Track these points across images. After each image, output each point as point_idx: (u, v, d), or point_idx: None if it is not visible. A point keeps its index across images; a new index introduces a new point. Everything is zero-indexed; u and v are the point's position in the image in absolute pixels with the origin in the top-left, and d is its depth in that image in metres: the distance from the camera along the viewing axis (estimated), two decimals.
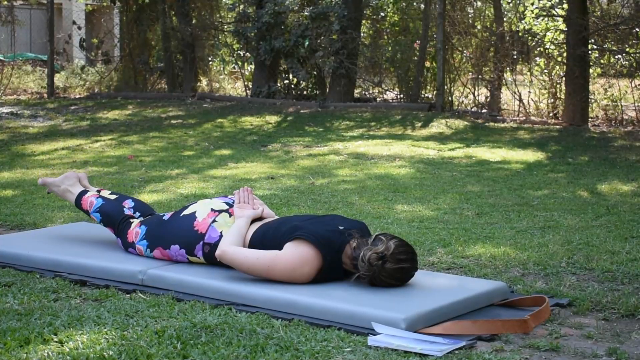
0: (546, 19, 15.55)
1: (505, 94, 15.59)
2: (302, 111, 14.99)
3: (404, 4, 16.97)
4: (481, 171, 8.85)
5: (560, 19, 15.20)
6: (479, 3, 16.97)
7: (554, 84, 14.86)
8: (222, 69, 20.21)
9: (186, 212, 4.52)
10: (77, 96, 17.98)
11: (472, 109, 14.99)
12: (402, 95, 16.37)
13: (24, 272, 4.54)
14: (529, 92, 15.03)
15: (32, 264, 4.63)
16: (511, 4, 16.79)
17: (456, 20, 15.63)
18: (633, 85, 14.74)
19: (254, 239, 4.26)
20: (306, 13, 16.15)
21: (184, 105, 15.90)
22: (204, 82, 18.92)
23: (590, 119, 14.15)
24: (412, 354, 3.38)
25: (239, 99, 16.85)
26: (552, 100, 14.85)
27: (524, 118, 14.36)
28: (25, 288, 4.22)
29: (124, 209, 4.85)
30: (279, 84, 17.04)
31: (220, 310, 3.89)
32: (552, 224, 6.01)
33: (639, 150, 10.84)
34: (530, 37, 15.55)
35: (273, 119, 14.09)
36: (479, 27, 16.26)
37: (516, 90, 14.96)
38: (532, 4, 15.78)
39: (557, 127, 13.41)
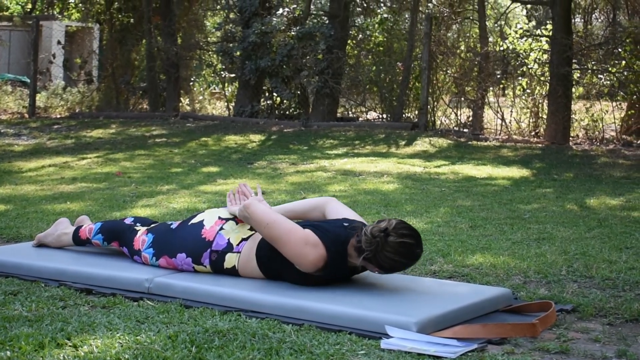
0: (529, 39, 15.72)
1: (488, 113, 15.71)
2: (285, 130, 15.04)
3: (389, 24, 17.08)
4: (469, 187, 8.92)
5: (544, 39, 15.36)
6: (464, 23, 17.13)
7: (536, 104, 15.00)
8: (204, 89, 20.25)
9: (194, 220, 4.54)
10: (58, 116, 17.94)
11: (455, 128, 15.10)
12: (384, 115, 16.46)
13: (28, 281, 4.53)
14: (511, 111, 15.17)
15: (35, 273, 4.62)
16: (496, 24, 16.96)
17: (441, 40, 15.75)
18: (614, 105, 14.92)
19: (262, 242, 4.29)
20: (293, 33, 16.23)
21: (167, 125, 15.91)
22: (185, 102, 18.96)
23: (571, 138, 14.28)
24: (426, 356, 3.41)
25: (221, 119, 16.89)
26: (534, 119, 14.99)
27: (506, 137, 14.48)
28: (31, 296, 4.22)
29: (124, 221, 4.87)
30: (262, 104, 17.09)
31: (230, 316, 3.91)
32: (547, 236, 6.07)
33: (622, 167, 10.96)
34: (513, 57, 15.70)
35: (257, 137, 14.14)
36: (462, 47, 16.40)
37: (499, 109, 15.09)
38: (516, 24, 15.96)
39: (540, 145, 13.53)
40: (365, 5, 17.94)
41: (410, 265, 4.07)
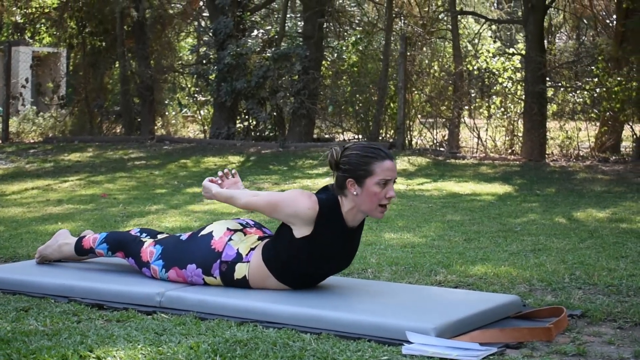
0: (502, 57, 15.89)
1: (463, 132, 15.85)
2: (263, 152, 15.08)
3: (363, 44, 17.20)
4: (455, 202, 9.00)
5: (517, 58, 15.54)
6: (438, 42, 17.28)
7: (511, 122, 15.16)
8: (177, 112, 20.26)
9: (203, 232, 4.56)
10: (32, 141, 17.86)
11: (432, 147, 15.21)
12: (360, 136, 16.54)
13: (37, 298, 4.52)
14: (486, 129, 15.32)
15: (43, 290, 4.59)
16: (470, 44, 17.13)
17: (415, 60, 15.89)
18: (587, 123, 15.11)
19: (266, 245, 4.34)
20: (268, 54, 16.29)
21: (144, 148, 15.90)
22: (160, 125, 18.95)
23: (547, 155, 14.44)
24: None
25: (198, 141, 16.90)
26: (509, 137, 15.14)
27: (484, 155, 14.60)
28: (43, 312, 4.21)
29: (130, 232, 4.88)
30: (238, 126, 17.12)
31: (247, 326, 3.93)
32: (542, 247, 6.15)
33: (602, 182, 11.09)
34: (487, 76, 15.87)
35: (236, 159, 14.16)
36: (435, 67, 16.54)
37: (475, 127, 15.22)
38: (489, 44, 16.13)
39: (517, 162, 13.66)
40: (338, 26, 18.05)
41: (380, 153, 4.16)
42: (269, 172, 12.31)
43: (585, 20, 18.47)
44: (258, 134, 17.05)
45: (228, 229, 4.53)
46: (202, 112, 19.28)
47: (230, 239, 4.47)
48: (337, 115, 17.39)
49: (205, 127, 18.63)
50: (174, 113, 20.26)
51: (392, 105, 16.11)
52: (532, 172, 12.20)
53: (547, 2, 15.13)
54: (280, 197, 4.33)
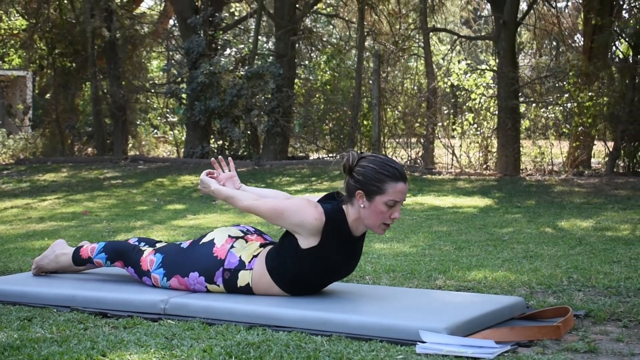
0: (474, 74, 16.01)
1: (438, 148, 15.94)
2: (239, 170, 15.02)
3: (335, 63, 17.27)
4: (439, 215, 9.04)
5: (490, 74, 15.66)
6: (410, 60, 17.40)
7: (485, 137, 15.27)
8: (146, 134, 20.21)
9: (205, 240, 4.54)
10: (3, 163, 17.73)
11: (407, 163, 15.28)
12: (334, 154, 16.59)
13: (38, 308, 4.48)
14: (460, 145, 15.42)
15: (44, 300, 4.53)
16: (443, 61, 17.25)
17: (389, 76, 15.98)
18: (559, 140, 15.27)
19: (269, 253, 4.33)
20: (242, 73, 16.31)
21: (118, 167, 15.83)
22: (131, 145, 18.89)
23: (521, 170, 14.55)
24: (464, 358, 3.46)
25: (172, 160, 16.86)
26: (483, 153, 15.25)
27: (459, 170, 14.69)
28: (47, 320, 4.18)
29: (129, 241, 4.85)
30: (212, 145, 17.10)
31: (256, 330, 3.92)
32: (533, 254, 6.18)
33: (580, 194, 11.19)
34: (460, 94, 15.99)
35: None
36: (407, 84, 16.64)
37: (449, 143, 15.31)
38: (459, 61, 16.25)
39: (493, 177, 13.75)
40: (310, 44, 18.11)
41: (395, 173, 4.12)
42: None
43: (554, 37, 18.66)
44: (232, 152, 17.03)
45: (229, 236, 4.52)
46: (173, 132, 19.24)
47: (232, 247, 4.45)
48: (311, 133, 17.43)
49: (178, 147, 18.59)
50: (144, 134, 20.20)
51: (365, 122, 16.17)
52: (509, 186, 12.28)
53: (517, 19, 15.28)
54: (285, 204, 4.30)
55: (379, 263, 5.79)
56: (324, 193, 4.53)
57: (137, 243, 4.81)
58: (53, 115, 19.09)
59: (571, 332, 3.97)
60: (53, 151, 18.49)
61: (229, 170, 4.76)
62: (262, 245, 4.48)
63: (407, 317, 3.85)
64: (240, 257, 4.40)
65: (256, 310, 4.10)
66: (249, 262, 4.39)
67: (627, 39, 15.00)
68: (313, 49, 18.20)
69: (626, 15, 16.52)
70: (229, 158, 4.84)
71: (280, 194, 4.67)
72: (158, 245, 4.78)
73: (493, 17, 16.03)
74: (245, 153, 17.00)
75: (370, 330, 3.81)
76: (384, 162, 4.14)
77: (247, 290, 4.37)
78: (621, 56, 15.78)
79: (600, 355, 3.59)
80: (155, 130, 21.29)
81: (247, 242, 4.50)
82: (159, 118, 20.06)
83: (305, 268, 4.22)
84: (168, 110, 19.12)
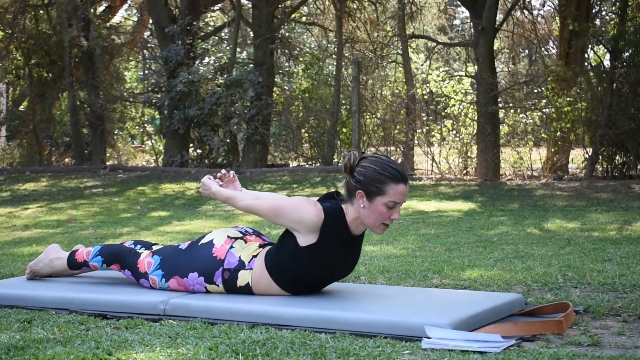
0: (452, 81, 16.09)
1: (417, 155, 15.99)
2: None
3: (314, 70, 17.30)
4: (424, 218, 9.07)
5: (468, 81, 15.75)
6: (389, 67, 17.46)
7: (464, 143, 15.33)
8: (124, 144, 20.16)
9: (204, 240, 4.54)
10: None
11: None
12: (313, 162, 16.61)
13: (36, 310, 4.45)
14: (440, 151, 15.48)
15: (42, 303, 4.50)
16: (421, 67, 17.32)
17: (367, 84, 16.03)
18: (538, 146, 15.37)
19: (268, 252, 4.34)
20: (221, 81, 16.29)
21: (98, 177, 15.77)
22: (110, 155, 18.83)
23: (501, 176, 14.62)
24: (471, 352, 3.47)
25: (152, 169, 16.81)
26: (463, 159, 15.32)
27: (440, 176, 14.74)
28: (47, 322, 4.15)
29: (124, 244, 4.84)
30: (191, 153, 17.07)
31: (259, 329, 3.92)
32: (524, 254, 6.22)
33: (562, 198, 11.26)
34: (438, 100, 16.06)
35: (193, 185, 14.10)
36: (385, 91, 16.70)
37: (429, 150, 15.37)
38: (437, 69, 16.34)
39: (473, 182, 13.81)
40: (288, 52, 18.14)
41: (396, 175, 4.12)
42: None
43: (531, 42, 18.80)
44: (211, 160, 17.01)
45: (228, 236, 4.52)
46: (150, 142, 19.21)
47: (231, 247, 4.45)
48: (290, 141, 17.45)
49: (156, 157, 18.54)
50: (121, 144, 20.14)
51: (344, 130, 16.20)
52: (490, 190, 12.35)
53: (495, 26, 15.38)
54: (284, 202, 4.32)
55: (372, 264, 5.80)
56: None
57: (133, 246, 4.80)
58: (30, 126, 19.00)
59: (572, 327, 4.00)
60: (31, 161, 18.39)
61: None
62: (261, 246, 4.49)
63: (410, 314, 3.86)
64: (239, 257, 4.40)
65: (257, 309, 4.10)
66: (249, 262, 4.40)
67: (604, 44, 15.11)
68: (291, 57, 18.22)
69: (597, 22, 16.65)
70: (232, 172, 4.89)
71: (279, 196, 4.69)
72: (155, 247, 4.77)
73: (471, 23, 16.11)
74: (224, 161, 16.98)
75: (373, 327, 3.81)
76: (385, 163, 4.16)
77: (247, 290, 4.37)
78: (594, 63, 15.89)
79: (604, 348, 3.61)
80: (133, 140, 21.24)
81: (246, 242, 4.50)
82: (136, 127, 19.99)
83: (304, 266, 4.23)
84: (145, 120, 19.06)
